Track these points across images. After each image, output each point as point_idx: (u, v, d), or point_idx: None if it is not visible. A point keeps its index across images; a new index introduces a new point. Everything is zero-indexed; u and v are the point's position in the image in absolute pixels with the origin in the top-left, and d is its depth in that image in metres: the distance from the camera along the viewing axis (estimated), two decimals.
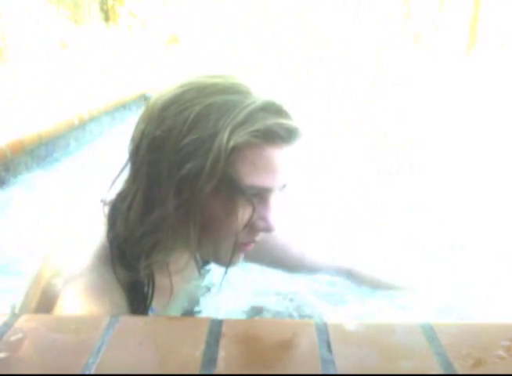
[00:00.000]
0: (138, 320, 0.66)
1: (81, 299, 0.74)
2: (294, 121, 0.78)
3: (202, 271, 1.02)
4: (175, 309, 0.95)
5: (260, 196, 0.78)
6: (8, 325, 0.61)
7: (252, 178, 0.75)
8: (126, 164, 0.82)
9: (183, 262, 0.91)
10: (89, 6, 11.05)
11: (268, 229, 0.80)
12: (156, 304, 0.84)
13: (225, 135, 0.72)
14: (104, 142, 3.29)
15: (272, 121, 0.75)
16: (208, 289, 1.04)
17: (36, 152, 2.58)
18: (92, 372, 0.53)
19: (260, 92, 0.77)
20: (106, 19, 11.51)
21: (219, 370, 0.54)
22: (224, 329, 0.61)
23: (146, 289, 0.82)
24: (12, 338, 0.59)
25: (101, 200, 0.86)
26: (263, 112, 0.75)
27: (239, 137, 0.73)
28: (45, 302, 0.76)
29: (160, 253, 0.79)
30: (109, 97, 4.02)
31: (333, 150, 2.86)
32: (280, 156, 0.77)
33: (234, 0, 10.92)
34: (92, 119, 3.40)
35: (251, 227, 0.79)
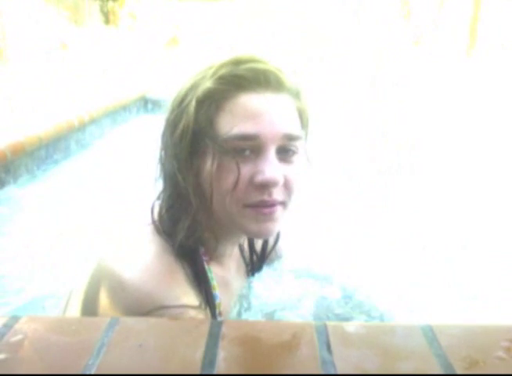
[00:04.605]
0: (138, 321, 0.66)
1: (169, 289, 0.76)
2: (271, 66, 0.78)
3: (249, 276, 1.02)
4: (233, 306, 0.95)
5: (254, 149, 0.76)
6: (8, 326, 0.62)
7: (235, 128, 0.75)
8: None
9: (234, 255, 0.94)
10: (89, 7, 11.05)
11: (265, 182, 0.76)
12: (221, 296, 0.85)
13: (192, 92, 0.77)
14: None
15: (239, 67, 0.76)
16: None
17: (36, 154, 2.58)
18: (93, 373, 0.54)
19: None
20: (106, 21, 11.51)
21: (219, 371, 0.54)
22: (224, 330, 0.61)
23: (207, 276, 0.83)
24: (13, 340, 0.59)
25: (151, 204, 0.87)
26: (232, 64, 0.77)
27: (204, 86, 0.76)
28: (122, 299, 0.76)
29: (194, 236, 0.80)
30: (109, 99, 4.02)
31: (333, 150, 2.86)
32: (261, 102, 0.76)
33: (234, 0, 10.92)
34: (92, 121, 3.40)
35: (251, 184, 0.77)
